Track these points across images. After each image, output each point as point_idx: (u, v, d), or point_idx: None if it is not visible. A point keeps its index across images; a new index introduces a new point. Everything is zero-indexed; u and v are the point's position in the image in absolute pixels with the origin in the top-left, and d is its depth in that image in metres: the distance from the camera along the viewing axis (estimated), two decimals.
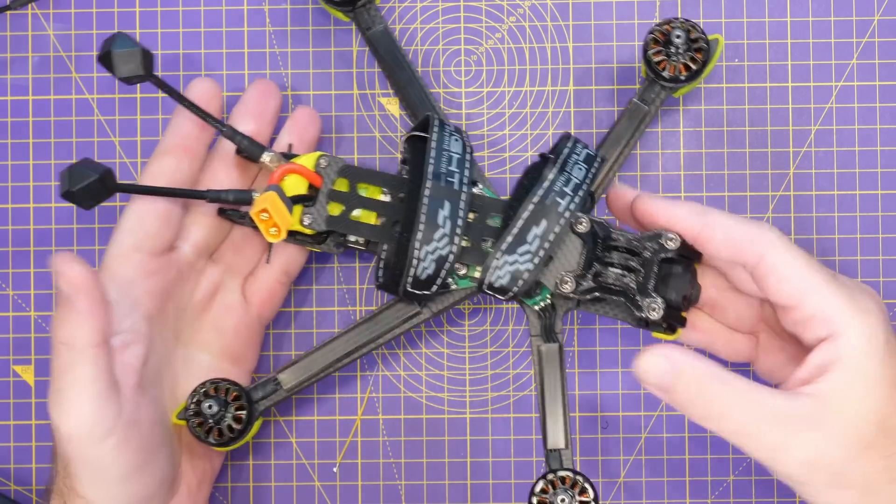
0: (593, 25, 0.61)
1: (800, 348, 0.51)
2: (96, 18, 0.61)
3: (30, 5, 0.61)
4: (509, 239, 0.51)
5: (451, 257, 0.52)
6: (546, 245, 0.51)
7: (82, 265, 0.48)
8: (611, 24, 0.61)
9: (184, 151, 0.54)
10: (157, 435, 0.52)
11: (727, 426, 0.48)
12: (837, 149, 0.60)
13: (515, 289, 0.52)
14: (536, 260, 0.51)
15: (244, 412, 0.54)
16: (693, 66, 0.55)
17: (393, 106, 0.61)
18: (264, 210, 0.51)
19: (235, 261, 0.57)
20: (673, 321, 0.52)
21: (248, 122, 0.56)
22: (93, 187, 0.49)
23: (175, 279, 0.55)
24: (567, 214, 0.51)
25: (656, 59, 0.55)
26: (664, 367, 0.48)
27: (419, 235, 0.51)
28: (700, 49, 0.55)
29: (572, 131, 0.60)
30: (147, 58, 0.51)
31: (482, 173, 0.56)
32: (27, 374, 0.60)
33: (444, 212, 0.51)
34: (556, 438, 0.52)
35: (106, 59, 0.50)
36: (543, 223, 0.51)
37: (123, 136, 0.61)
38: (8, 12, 0.61)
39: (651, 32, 0.55)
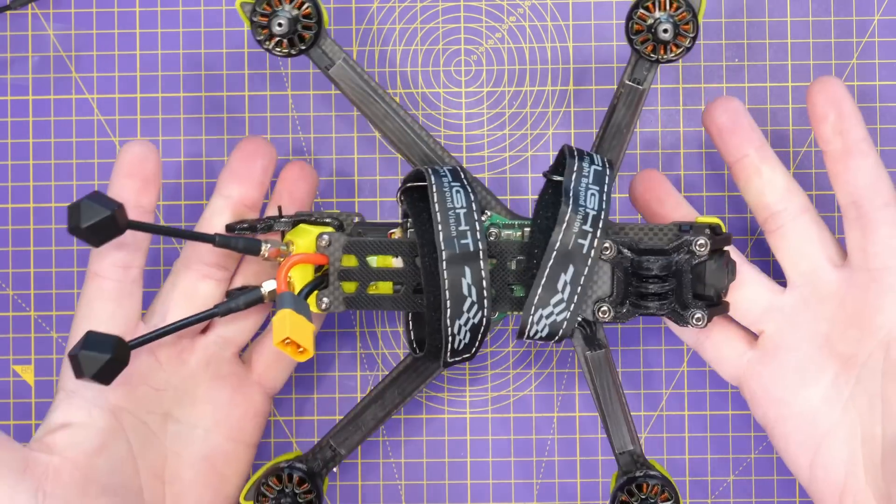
0: (593, 25, 0.61)
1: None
2: (96, 18, 0.61)
3: (30, 5, 0.61)
4: (539, 292, 0.49)
5: (485, 321, 0.50)
6: (578, 290, 0.49)
7: None
8: (611, 24, 0.61)
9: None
10: None
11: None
12: None
13: (558, 336, 0.51)
14: (571, 307, 0.50)
15: (312, 494, 0.53)
16: (684, 43, 0.51)
17: None
18: (287, 338, 0.48)
19: (230, 333, 0.55)
20: (718, 313, 0.52)
21: (233, 187, 0.54)
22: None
23: (149, 366, 0.53)
24: (592, 252, 0.49)
25: (641, 42, 0.51)
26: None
27: (448, 313, 0.49)
28: (687, 22, 0.51)
29: (572, 131, 0.60)
30: (121, 214, 0.48)
31: (488, 196, 0.53)
32: (27, 374, 0.60)
33: (467, 279, 0.49)
34: (623, 440, 0.53)
35: (77, 233, 0.47)
36: (571, 269, 0.49)
37: (123, 136, 0.61)
38: (8, 12, 0.61)
39: (630, 18, 0.51)
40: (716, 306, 0.51)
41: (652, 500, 0.51)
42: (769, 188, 0.53)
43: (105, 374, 0.48)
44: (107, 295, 0.52)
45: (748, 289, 0.53)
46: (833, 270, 0.52)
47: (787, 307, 0.53)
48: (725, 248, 0.52)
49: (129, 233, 0.49)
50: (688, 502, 0.60)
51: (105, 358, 0.48)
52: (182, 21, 0.61)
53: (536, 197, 0.52)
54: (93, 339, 0.48)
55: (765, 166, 0.53)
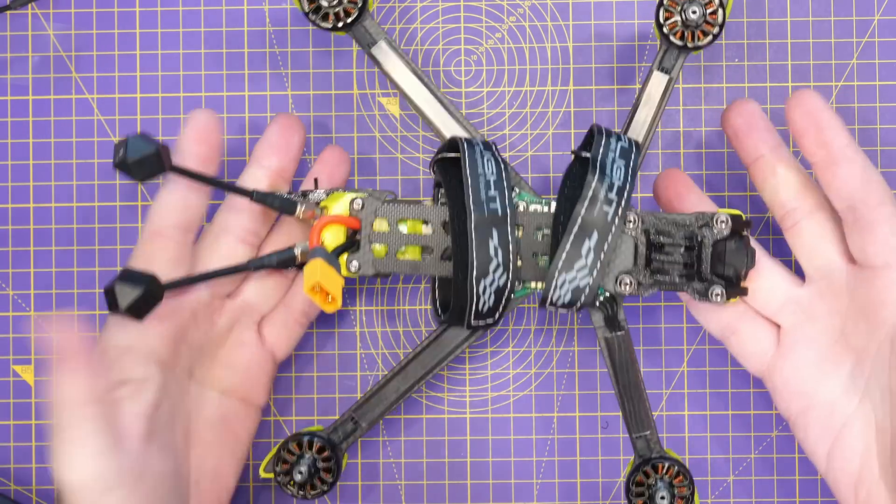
0: (593, 25, 0.61)
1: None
2: (96, 18, 0.61)
3: (30, 5, 0.61)
4: (563, 256, 0.51)
5: (510, 285, 0.51)
6: (601, 256, 0.51)
7: (71, 327, 0.48)
8: (611, 24, 0.61)
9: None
10: (165, 485, 0.51)
11: None
12: None
13: (580, 302, 0.52)
14: (594, 272, 0.51)
15: (331, 462, 0.55)
16: (712, 31, 0.54)
17: (393, 106, 0.61)
18: (317, 283, 0.49)
19: (255, 300, 0.56)
20: (736, 294, 0.52)
21: (271, 157, 0.55)
22: (148, 160, 0.48)
23: (189, 321, 0.54)
24: (616, 221, 0.51)
25: (671, 28, 0.54)
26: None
27: (475, 272, 0.50)
28: (714, 11, 0.54)
29: (572, 131, 0.60)
30: (164, 154, 0.49)
31: (517, 177, 0.55)
32: (27, 374, 0.60)
33: (494, 241, 0.50)
34: (641, 424, 0.54)
35: (123, 167, 0.49)
36: (595, 235, 0.50)
37: (123, 136, 0.61)
38: (8, 12, 0.61)
39: (661, 4, 0.54)
40: (735, 287, 0.52)
41: (667, 481, 0.53)
42: (784, 187, 0.54)
43: (139, 309, 0.48)
44: (165, 255, 0.53)
45: (768, 279, 0.54)
46: (846, 266, 0.53)
47: (805, 300, 0.54)
48: (745, 232, 0.53)
49: (191, 199, 0.52)
50: None
51: (139, 291, 0.48)
52: (182, 21, 0.61)
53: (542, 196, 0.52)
54: (128, 275, 0.49)
55: (780, 166, 0.54)
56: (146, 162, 0.48)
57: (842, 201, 0.52)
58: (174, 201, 0.53)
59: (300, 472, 0.55)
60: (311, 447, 0.55)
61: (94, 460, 0.47)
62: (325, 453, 0.55)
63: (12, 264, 0.61)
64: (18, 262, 0.61)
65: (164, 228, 0.53)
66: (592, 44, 0.61)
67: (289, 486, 0.55)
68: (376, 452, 0.60)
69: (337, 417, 0.57)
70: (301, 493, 0.55)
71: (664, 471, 0.53)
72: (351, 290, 0.60)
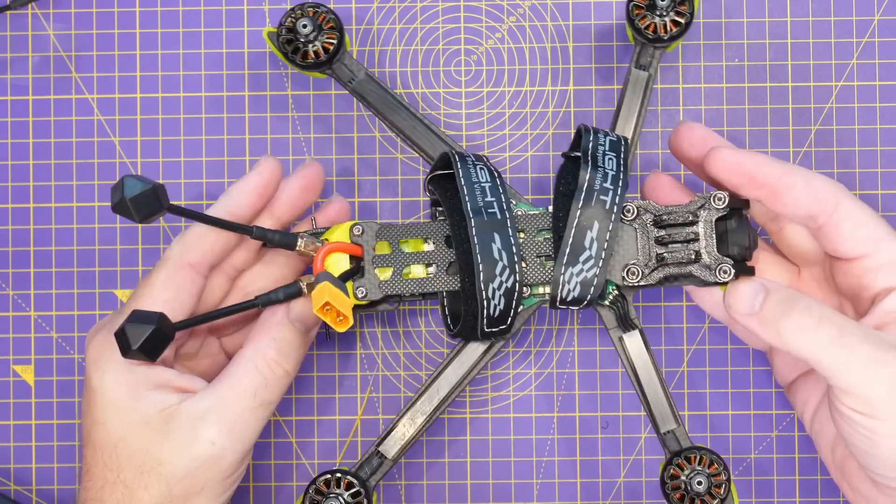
0: (593, 25, 0.61)
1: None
2: (96, 18, 0.61)
3: (30, 5, 0.61)
4: (568, 250, 0.51)
5: (518, 287, 0.51)
6: (605, 245, 0.51)
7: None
8: (611, 24, 0.61)
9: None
10: None
11: (825, 335, 0.49)
12: (837, 149, 0.60)
13: (589, 296, 0.51)
14: (601, 262, 0.51)
15: (361, 497, 0.54)
16: (681, 20, 0.55)
17: None
18: (326, 304, 0.50)
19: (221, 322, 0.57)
20: (744, 274, 0.52)
21: (287, 211, 0.55)
22: (145, 198, 0.48)
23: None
24: (615, 209, 0.51)
25: (643, 24, 0.55)
26: (755, 288, 0.50)
27: (482, 276, 0.50)
28: (683, 1, 0.55)
29: (572, 131, 0.60)
30: (160, 192, 0.49)
31: (513, 190, 0.56)
32: (27, 374, 0.60)
33: (497, 244, 0.50)
34: (667, 420, 0.54)
35: (121, 208, 0.48)
36: (596, 225, 0.50)
37: (123, 136, 0.61)
38: (8, 12, 0.61)
39: (630, 1, 0.55)
40: (741, 265, 0.52)
41: (703, 471, 0.53)
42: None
43: (150, 348, 0.49)
44: (194, 288, 0.53)
45: (767, 273, 0.55)
46: (829, 259, 0.54)
47: (803, 288, 0.55)
48: (744, 211, 0.52)
49: (223, 239, 0.54)
50: None
51: (150, 329, 0.48)
52: (182, 21, 0.61)
53: (539, 197, 0.52)
54: (137, 315, 0.49)
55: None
56: (144, 201, 0.48)
57: (801, 218, 0.52)
58: (211, 237, 0.53)
59: None
60: (338, 485, 0.54)
61: None
62: (355, 489, 0.54)
63: (12, 264, 0.61)
64: (18, 262, 0.61)
65: (197, 265, 0.53)
66: (592, 44, 0.61)
67: None
68: None
69: (358, 456, 0.56)
70: None
71: (697, 461, 0.53)
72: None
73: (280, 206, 0.55)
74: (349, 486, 0.54)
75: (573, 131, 0.60)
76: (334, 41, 0.55)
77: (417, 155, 0.57)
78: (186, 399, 0.51)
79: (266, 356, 0.52)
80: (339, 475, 0.54)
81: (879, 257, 0.51)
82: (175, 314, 0.52)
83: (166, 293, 0.52)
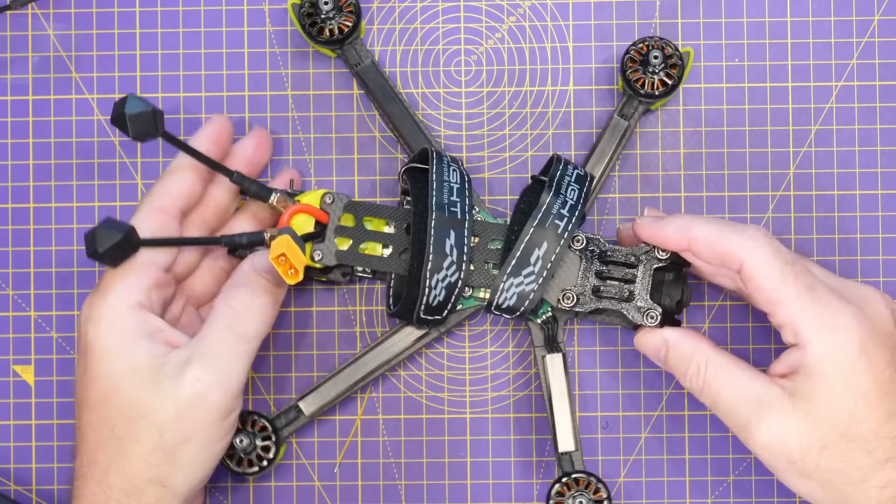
0: (593, 25, 0.61)
1: None
2: (96, 18, 0.61)
3: (30, 5, 0.61)
4: (514, 262, 0.54)
5: (460, 283, 0.54)
6: (548, 265, 0.54)
7: None
8: (611, 24, 0.61)
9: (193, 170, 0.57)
10: None
11: (708, 397, 0.54)
12: (837, 149, 0.60)
13: (523, 308, 0.55)
14: (540, 280, 0.54)
15: (271, 441, 0.57)
16: (669, 81, 0.57)
17: None
18: (282, 255, 0.52)
19: (198, 289, 0.58)
20: (670, 324, 0.55)
21: (243, 168, 0.57)
22: (118, 246, 0.51)
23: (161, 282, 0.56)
24: (566, 235, 0.54)
25: (634, 77, 0.57)
26: (658, 342, 0.55)
27: (429, 265, 0.53)
28: (675, 65, 0.57)
29: (572, 131, 0.60)
30: (158, 117, 0.52)
31: (479, 198, 0.58)
32: (27, 374, 0.60)
33: (451, 241, 0.54)
34: (567, 442, 0.56)
35: (120, 122, 0.51)
36: (544, 245, 0.54)
37: (123, 135, 0.61)
38: (8, 12, 0.61)
39: (627, 52, 0.58)
40: (669, 316, 0.55)
41: (585, 493, 0.56)
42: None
43: (114, 254, 0.52)
44: (167, 231, 0.55)
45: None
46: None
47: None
48: (684, 270, 0.56)
49: (197, 187, 0.56)
50: (688, 502, 0.60)
51: (118, 236, 0.51)
52: (182, 21, 0.61)
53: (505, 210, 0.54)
54: (110, 222, 0.52)
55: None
56: (142, 120, 0.51)
57: (712, 270, 0.55)
58: (183, 186, 0.56)
59: (241, 441, 0.56)
60: (252, 425, 0.57)
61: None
62: (266, 433, 0.57)
63: (12, 264, 0.61)
64: (18, 262, 0.61)
65: (169, 208, 0.55)
66: (592, 44, 0.61)
67: (226, 459, 0.56)
68: (376, 452, 0.60)
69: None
70: (237, 466, 0.56)
71: (584, 485, 0.56)
72: (352, 290, 0.61)
73: (236, 164, 0.57)
74: (262, 429, 0.57)
75: (573, 131, 0.60)
76: (350, 24, 0.58)
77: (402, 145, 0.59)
78: (173, 351, 0.53)
79: (238, 293, 0.54)
80: (255, 417, 0.57)
81: (776, 318, 0.52)
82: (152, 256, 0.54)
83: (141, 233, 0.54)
